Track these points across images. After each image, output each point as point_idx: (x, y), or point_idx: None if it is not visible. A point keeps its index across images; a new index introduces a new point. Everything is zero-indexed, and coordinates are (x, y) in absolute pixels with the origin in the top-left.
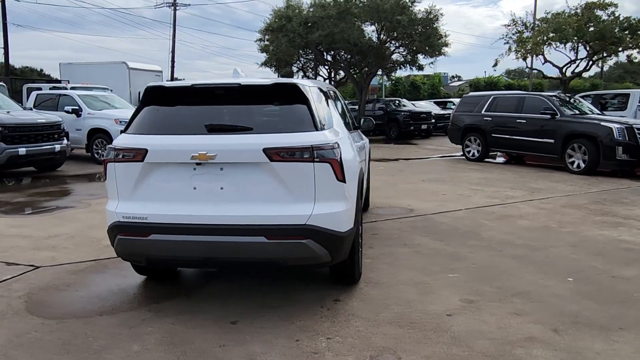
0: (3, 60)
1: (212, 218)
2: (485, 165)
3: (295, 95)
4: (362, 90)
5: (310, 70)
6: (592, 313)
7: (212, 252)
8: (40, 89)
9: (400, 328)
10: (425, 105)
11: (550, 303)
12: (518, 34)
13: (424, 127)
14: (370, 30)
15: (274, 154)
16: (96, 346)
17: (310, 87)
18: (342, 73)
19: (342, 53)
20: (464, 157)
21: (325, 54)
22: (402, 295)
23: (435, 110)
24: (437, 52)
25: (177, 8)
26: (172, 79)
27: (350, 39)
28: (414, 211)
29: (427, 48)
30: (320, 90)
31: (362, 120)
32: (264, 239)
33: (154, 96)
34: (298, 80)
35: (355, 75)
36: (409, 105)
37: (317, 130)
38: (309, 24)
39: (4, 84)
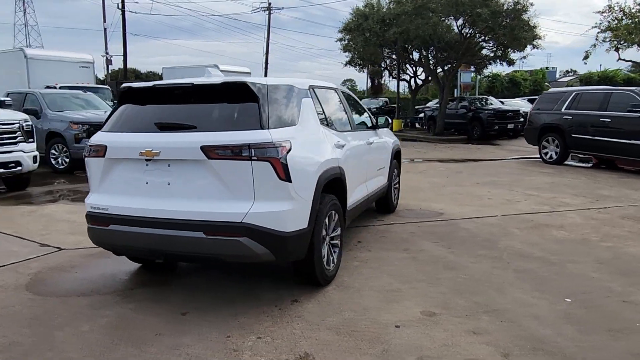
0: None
1: (159, 212)
2: (561, 168)
3: (245, 94)
4: (443, 89)
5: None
6: (566, 341)
7: (158, 245)
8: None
9: (337, 335)
10: (518, 103)
11: (522, 325)
12: (616, 21)
13: (510, 126)
14: (453, 24)
15: (211, 152)
16: (55, 323)
17: (266, 86)
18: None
19: (423, 50)
20: (541, 159)
21: (407, 52)
22: (364, 301)
23: (527, 108)
24: (526, 46)
25: (272, 12)
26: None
27: (425, 34)
28: (442, 215)
29: (513, 41)
30: (295, 89)
31: (378, 119)
32: (202, 234)
33: (126, 96)
34: (250, 79)
35: (437, 74)
36: (496, 103)
37: (262, 128)
38: (386, 21)
39: (108, 87)
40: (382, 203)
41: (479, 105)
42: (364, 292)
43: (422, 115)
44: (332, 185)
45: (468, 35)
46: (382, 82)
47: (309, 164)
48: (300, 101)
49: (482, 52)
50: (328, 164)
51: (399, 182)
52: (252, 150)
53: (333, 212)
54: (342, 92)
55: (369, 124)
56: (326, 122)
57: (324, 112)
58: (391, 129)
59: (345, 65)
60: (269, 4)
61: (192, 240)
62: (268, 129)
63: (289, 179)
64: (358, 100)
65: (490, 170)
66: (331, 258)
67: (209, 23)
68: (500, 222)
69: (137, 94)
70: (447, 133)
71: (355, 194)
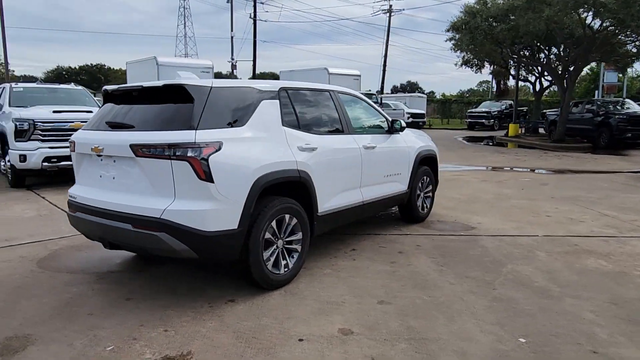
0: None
1: (105, 203)
2: None
3: (182, 96)
4: (565, 90)
5: (520, 68)
6: None
7: (103, 233)
8: None
9: (234, 339)
10: None
11: (438, 358)
12: None
13: None
14: (575, 17)
15: (138, 150)
16: (30, 293)
17: (207, 88)
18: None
19: (541, 47)
20: None
21: (520, 50)
22: (295, 310)
23: None
24: None
25: (395, 14)
26: (383, 82)
27: (536, 30)
28: (471, 230)
29: None
30: (253, 91)
31: (394, 123)
32: (130, 227)
33: (105, 97)
34: (189, 80)
35: (559, 73)
36: (634, 107)
37: (190, 129)
38: (496, 17)
39: None
40: (405, 212)
41: (610, 109)
42: (305, 302)
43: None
44: (286, 187)
45: (599, 29)
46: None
47: (242, 166)
48: (257, 103)
49: (624, 47)
50: (276, 166)
51: (432, 191)
52: (172, 149)
53: (287, 215)
54: (344, 94)
55: (386, 128)
56: (297, 124)
57: (296, 115)
58: (506, 134)
59: (461, 66)
60: (390, 6)
61: (123, 231)
62: (196, 129)
63: (210, 180)
64: (371, 104)
65: (583, 183)
66: (284, 262)
67: (345, 28)
68: (533, 243)
69: (110, 96)
70: (570, 140)
71: (338, 200)
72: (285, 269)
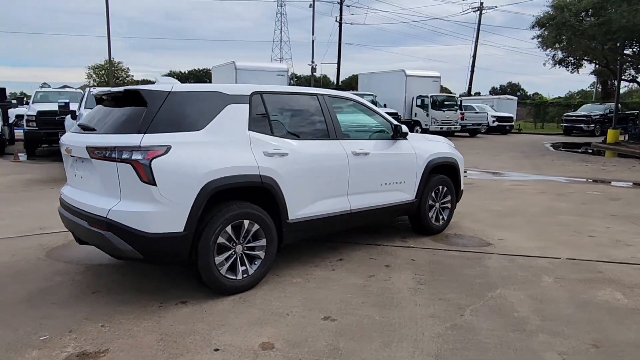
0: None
1: (74, 200)
2: None
3: (138, 100)
4: None
5: (627, 68)
6: None
7: (72, 229)
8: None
9: (156, 341)
10: None
11: None
12: None
13: None
14: None
15: (92, 152)
16: (23, 278)
17: (163, 92)
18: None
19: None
20: None
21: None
22: (234, 319)
23: None
24: None
25: (483, 12)
26: (470, 83)
27: (630, 24)
28: (485, 247)
29: None
30: (219, 95)
31: (398, 128)
32: (87, 224)
33: (96, 101)
34: (151, 86)
35: None
36: None
37: (139, 132)
38: (587, 11)
39: None
40: (415, 223)
41: None
42: (251, 310)
43: None
44: (249, 193)
45: None
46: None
47: (189, 170)
48: (221, 108)
49: None
50: (230, 171)
51: (451, 202)
52: (118, 152)
53: (246, 221)
54: (338, 98)
55: (389, 134)
56: (269, 129)
57: (268, 119)
58: (604, 141)
59: (553, 65)
60: (481, 3)
61: (83, 228)
62: (145, 133)
63: (152, 182)
64: (374, 109)
65: None
66: (242, 268)
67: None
68: (548, 266)
69: (97, 100)
70: None
71: (317, 207)
72: (245, 275)
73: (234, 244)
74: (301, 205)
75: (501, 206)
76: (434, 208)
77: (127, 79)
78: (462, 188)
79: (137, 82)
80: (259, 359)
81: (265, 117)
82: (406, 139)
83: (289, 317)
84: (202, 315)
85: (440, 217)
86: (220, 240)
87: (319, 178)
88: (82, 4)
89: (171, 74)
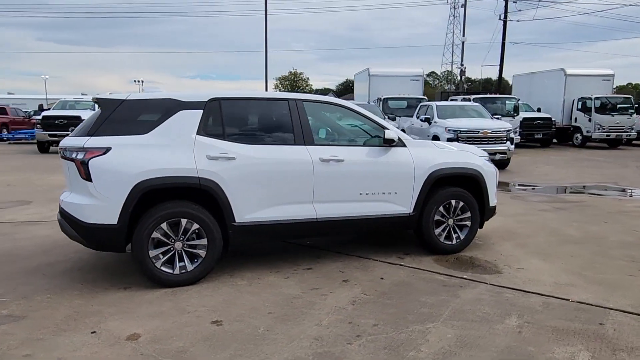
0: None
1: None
2: None
3: (99, 107)
4: None
5: None
6: None
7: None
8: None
9: (63, 317)
10: None
11: None
12: None
13: None
14: None
15: (60, 152)
16: (53, 252)
17: (116, 100)
18: None
19: None
20: None
21: None
22: (135, 306)
23: None
24: None
25: None
26: None
27: None
28: (490, 274)
29: None
30: (172, 102)
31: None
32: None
33: None
34: (109, 95)
35: None
36: None
37: (87, 135)
38: None
39: (425, 98)
40: (420, 239)
41: None
42: (164, 303)
43: None
44: (192, 193)
45: None
46: None
47: (123, 170)
48: (172, 113)
49: None
50: (165, 172)
51: (472, 219)
52: (69, 152)
53: (183, 220)
54: (318, 102)
55: (380, 141)
56: (222, 133)
57: (222, 124)
58: None
59: None
60: None
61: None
62: (92, 136)
63: (89, 179)
64: (365, 114)
65: None
66: (180, 264)
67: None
68: (536, 307)
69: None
70: None
71: (273, 212)
72: (182, 271)
73: (172, 241)
74: (251, 209)
75: (580, 231)
76: (444, 225)
77: (307, 88)
78: (492, 204)
79: (313, 91)
80: (114, 347)
81: (219, 122)
82: (404, 146)
83: (185, 315)
84: (120, 301)
85: (454, 235)
86: (155, 235)
87: (273, 183)
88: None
89: (347, 83)
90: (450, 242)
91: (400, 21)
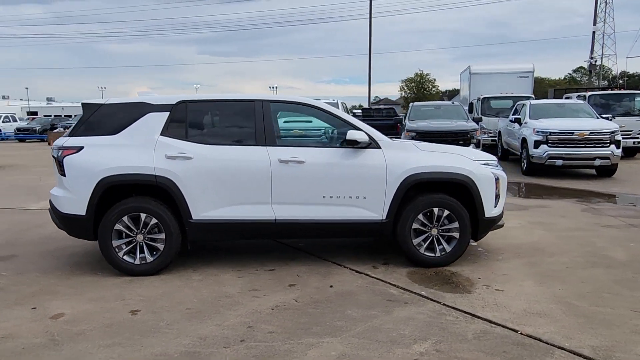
0: None
1: None
2: None
3: (82, 110)
4: None
5: None
6: None
7: None
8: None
9: (28, 295)
10: None
11: None
12: None
13: None
14: None
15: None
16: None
17: (95, 105)
18: None
19: None
20: None
21: None
22: (86, 290)
23: None
24: None
25: None
26: None
27: None
28: (454, 295)
29: None
30: (144, 105)
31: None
32: None
33: None
34: (90, 100)
35: None
36: None
37: (68, 136)
38: None
39: (532, 96)
40: (399, 248)
41: None
42: (111, 289)
43: None
44: (149, 189)
45: None
46: None
47: (90, 167)
48: (141, 116)
49: None
50: (125, 170)
51: (460, 230)
52: (54, 151)
53: (142, 214)
54: (288, 103)
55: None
56: (185, 134)
57: (186, 126)
58: None
59: None
60: None
61: None
62: (71, 136)
63: (63, 174)
64: (339, 115)
65: None
66: (140, 255)
67: None
68: (466, 335)
69: None
70: None
71: (229, 211)
72: (142, 262)
73: (134, 233)
74: (207, 207)
75: (630, 253)
76: (426, 235)
77: (433, 89)
78: (489, 215)
79: (440, 93)
80: (34, 322)
81: (183, 123)
82: (378, 148)
83: (116, 302)
84: (81, 285)
85: (439, 247)
86: (118, 227)
87: (229, 183)
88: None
89: None
90: (431, 255)
91: (548, 13)
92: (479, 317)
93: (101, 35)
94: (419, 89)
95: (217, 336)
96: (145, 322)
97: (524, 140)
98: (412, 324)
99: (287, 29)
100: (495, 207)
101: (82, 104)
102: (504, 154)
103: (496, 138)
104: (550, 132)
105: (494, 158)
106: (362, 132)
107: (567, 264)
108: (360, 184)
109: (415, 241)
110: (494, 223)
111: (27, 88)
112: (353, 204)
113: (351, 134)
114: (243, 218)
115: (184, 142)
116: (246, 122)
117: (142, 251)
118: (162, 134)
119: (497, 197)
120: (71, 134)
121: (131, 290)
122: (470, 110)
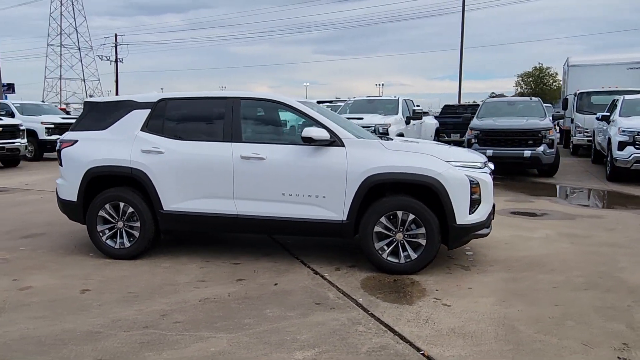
0: None
1: None
2: None
3: (83, 107)
4: None
5: None
6: None
7: None
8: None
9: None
10: None
11: None
12: None
13: None
14: None
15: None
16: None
17: (94, 103)
18: None
19: None
20: None
21: None
22: (67, 267)
23: None
24: None
25: None
26: None
27: None
28: (400, 308)
29: None
30: (131, 103)
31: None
32: None
33: None
34: (95, 98)
35: None
36: None
37: (70, 131)
38: None
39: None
40: (363, 252)
41: None
42: (84, 270)
43: None
44: (129, 180)
45: None
46: None
47: (79, 158)
48: (127, 112)
49: None
50: (105, 162)
51: (427, 237)
52: (59, 144)
53: (121, 203)
54: (257, 100)
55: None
56: (161, 130)
57: (163, 122)
58: None
59: None
60: None
61: None
62: (71, 131)
63: (61, 164)
64: (304, 112)
65: None
66: (120, 240)
67: None
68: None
69: None
70: None
71: (195, 204)
72: (121, 247)
73: (116, 220)
74: (176, 199)
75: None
76: (391, 239)
77: (554, 84)
78: (462, 222)
79: (559, 88)
80: (3, 292)
81: (161, 120)
82: (342, 146)
83: (79, 280)
84: (66, 263)
85: (403, 253)
86: (102, 213)
87: (195, 177)
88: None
89: None
90: (396, 261)
91: None
92: (393, 331)
93: (227, 39)
94: (537, 83)
95: (129, 320)
96: (84, 301)
97: (609, 141)
98: (316, 330)
99: (401, 24)
100: (471, 213)
101: (84, 102)
102: (597, 156)
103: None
104: (638, 132)
105: (480, 159)
106: (322, 129)
107: (557, 284)
108: (319, 182)
109: (378, 245)
110: (470, 231)
111: (162, 89)
112: (313, 202)
113: (306, 131)
114: (208, 211)
115: (159, 137)
116: (218, 119)
117: (121, 237)
118: (142, 129)
119: (475, 202)
120: (71, 129)
121: (101, 271)
122: (565, 107)
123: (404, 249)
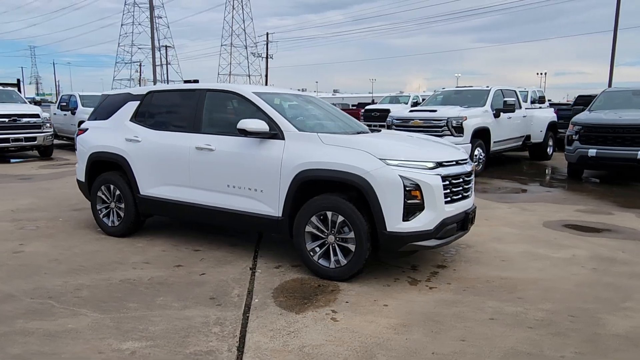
0: None
1: None
2: None
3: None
4: None
5: None
6: None
7: None
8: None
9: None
10: None
11: None
12: None
13: None
14: None
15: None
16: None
17: (104, 95)
18: None
19: None
20: None
21: None
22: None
23: None
24: None
25: None
26: None
27: None
28: (283, 316)
29: None
30: (128, 95)
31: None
32: None
33: None
34: (108, 91)
35: None
36: None
37: (88, 120)
38: None
39: None
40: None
41: None
42: (78, 240)
43: None
44: (113, 165)
45: None
46: None
47: (86, 144)
48: (123, 104)
49: None
50: (102, 148)
51: (357, 240)
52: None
53: (111, 185)
54: (224, 92)
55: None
56: (144, 120)
57: (147, 113)
58: None
59: None
60: None
61: None
62: (88, 120)
63: (75, 150)
64: (256, 104)
65: None
66: (111, 219)
67: None
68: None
69: None
70: None
71: (164, 190)
72: (112, 224)
73: (109, 201)
74: (149, 185)
75: None
76: (322, 241)
77: None
78: (393, 229)
79: None
80: (2, 255)
81: (146, 111)
82: (282, 139)
83: (63, 251)
84: (71, 235)
85: (334, 258)
86: (99, 194)
87: (161, 165)
88: None
89: None
90: (326, 266)
91: None
92: (241, 339)
93: (385, 31)
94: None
95: (45, 289)
96: (40, 268)
97: None
98: (172, 324)
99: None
100: (406, 220)
101: (102, 95)
102: None
103: None
104: None
105: (438, 159)
106: (261, 121)
107: (501, 315)
108: (258, 175)
109: (309, 246)
110: (405, 241)
111: (317, 82)
112: (252, 196)
113: (242, 123)
114: (173, 198)
115: (140, 127)
116: (188, 110)
117: (114, 216)
118: (130, 119)
119: (413, 208)
120: (89, 119)
121: (86, 245)
122: None
123: (335, 253)
